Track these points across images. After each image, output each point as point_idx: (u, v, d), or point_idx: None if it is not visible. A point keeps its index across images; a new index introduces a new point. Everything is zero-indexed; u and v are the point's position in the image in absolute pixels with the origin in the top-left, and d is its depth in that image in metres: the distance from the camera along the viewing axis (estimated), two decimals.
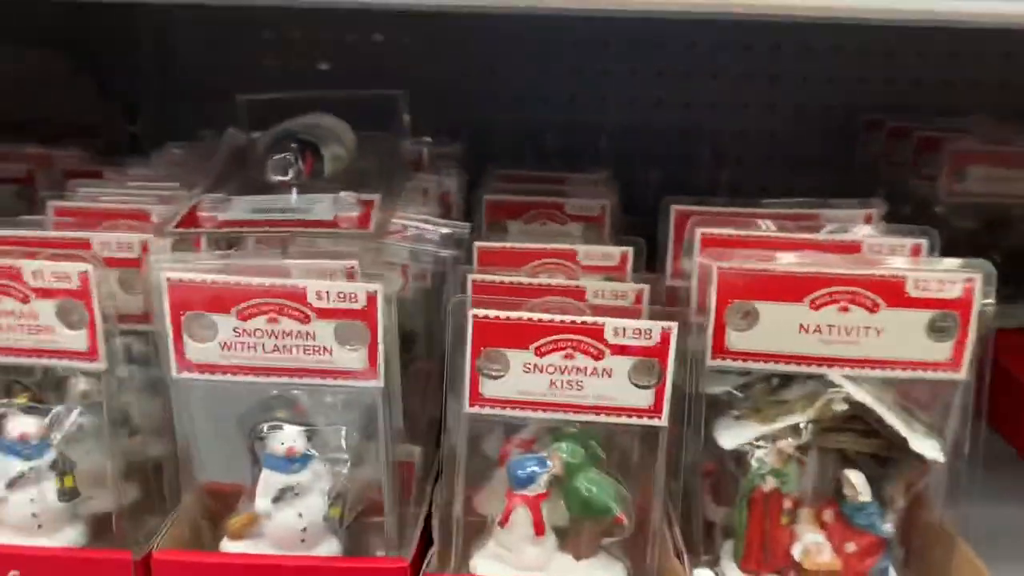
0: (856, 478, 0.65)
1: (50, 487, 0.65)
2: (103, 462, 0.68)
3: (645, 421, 0.63)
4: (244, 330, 0.60)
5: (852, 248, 0.70)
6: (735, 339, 0.64)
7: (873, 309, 0.63)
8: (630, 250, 0.77)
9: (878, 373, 0.64)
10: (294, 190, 0.71)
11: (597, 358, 0.61)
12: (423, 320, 0.76)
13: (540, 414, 0.63)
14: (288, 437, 0.63)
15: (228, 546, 0.65)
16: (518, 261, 0.76)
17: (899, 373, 0.64)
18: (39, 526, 0.65)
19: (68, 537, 0.66)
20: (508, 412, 0.63)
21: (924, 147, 1.17)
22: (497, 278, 0.70)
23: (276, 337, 0.60)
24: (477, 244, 0.76)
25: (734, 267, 0.63)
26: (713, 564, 0.68)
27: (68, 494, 0.64)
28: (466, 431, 0.64)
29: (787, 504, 0.65)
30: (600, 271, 0.77)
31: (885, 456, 0.65)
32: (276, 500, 0.63)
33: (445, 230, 0.71)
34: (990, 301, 0.62)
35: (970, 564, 0.64)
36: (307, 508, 0.63)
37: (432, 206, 0.83)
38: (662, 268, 0.81)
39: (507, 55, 1.31)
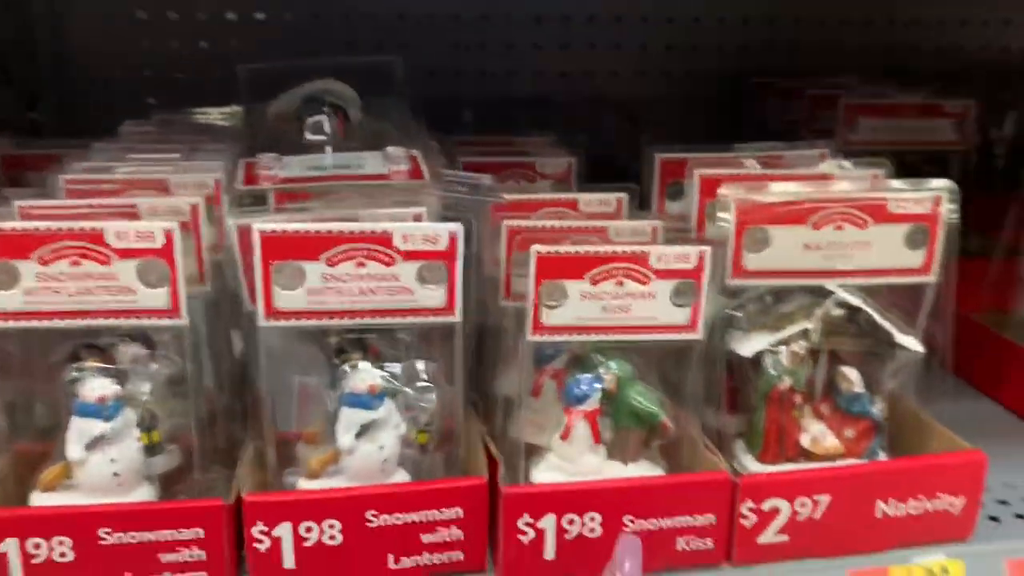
0: (851, 373, 0.76)
1: (130, 446, 0.66)
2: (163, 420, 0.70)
3: (684, 336, 0.71)
4: (332, 275, 0.64)
5: (826, 179, 0.81)
6: (751, 260, 0.74)
7: (862, 226, 0.74)
8: (625, 196, 0.85)
9: (867, 281, 0.75)
10: (328, 149, 0.74)
11: (644, 283, 0.69)
12: None
13: (595, 337, 0.70)
14: (369, 375, 0.67)
15: (307, 486, 0.69)
16: (526, 211, 0.83)
17: (883, 279, 0.75)
18: (119, 485, 0.66)
19: (144, 493, 0.68)
20: (568, 338, 0.70)
21: (816, 103, 1.31)
22: (528, 223, 0.76)
23: (361, 280, 0.64)
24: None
25: (748, 197, 0.72)
26: (730, 462, 0.77)
27: (155, 449, 0.66)
28: (529, 360, 0.70)
29: (797, 400, 0.75)
30: (599, 217, 0.85)
31: (873, 352, 0.77)
32: (358, 435, 0.67)
33: (472, 181, 0.76)
34: (955, 215, 0.74)
35: (947, 439, 0.77)
36: (387, 440, 0.68)
37: None
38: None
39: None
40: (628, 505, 0.69)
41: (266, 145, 0.76)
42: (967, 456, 0.74)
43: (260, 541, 0.65)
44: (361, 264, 0.64)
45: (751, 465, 0.76)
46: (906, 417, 0.79)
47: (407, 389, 0.67)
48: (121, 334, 0.70)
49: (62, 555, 0.63)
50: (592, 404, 0.71)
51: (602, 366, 0.72)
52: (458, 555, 0.68)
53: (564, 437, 0.71)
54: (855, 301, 0.75)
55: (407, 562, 0.67)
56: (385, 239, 0.64)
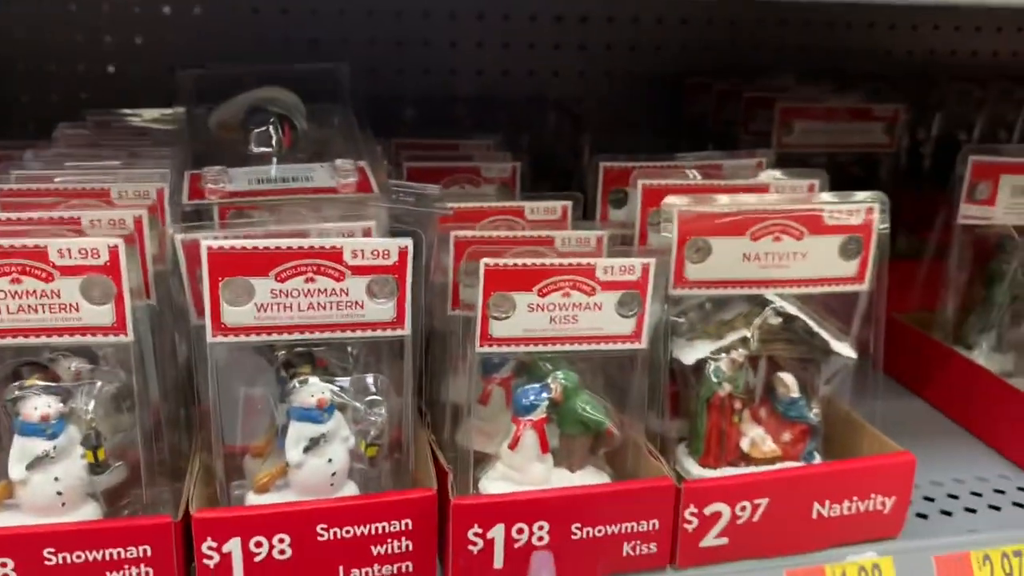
0: (788, 378, 0.79)
1: (74, 464, 0.65)
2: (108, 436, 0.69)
3: (628, 346, 0.73)
4: (281, 291, 0.64)
5: (762, 189, 0.83)
6: (692, 270, 0.75)
7: (799, 237, 0.76)
8: (570, 204, 0.86)
9: (803, 290, 0.78)
10: (274, 160, 0.74)
11: (590, 294, 0.71)
12: None
13: (542, 348, 0.71)
14: (318, 389, 0.67)
15: (255, 500, 0.69)
16: (473, 219, 0.83)
17: (818, 288, 0.78)
18: (63, 504, 0.65)
19: (88, 512, 0.67)
20: (515, 349, 0.71)
21: (752, 105, 1.34)
22: (475, 234, 0.77)
23: (311, 295, 0.64)
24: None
25: (690, 208, 0.74)
26: (673, 466, 0.79)
27: (100, 467, 0.65)
28: (476, 370, 0.71)
29: (737, 405, 0.78)
30: (544, 224, 0.86)
31: (808, 358, 0.80)
32: (307, 449, 0.68)
33: (418, 192, 0.77)
34: (885, 225, 0.77)
35: (877, 441, 0.80)
36: (335, 454, 0.68)
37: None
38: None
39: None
40: (575, 513, 0.70)
41: (209, 153, 0.75)
42: (897, 458, 0.77)
43: (210, 557, 0.65)
44: (311, 279, 0.64)
45: (693, 469, 0.78)
46: (838, 419, 0.82)
47: (356, 403, 0.67)
48: (63, 349, 0.69)
49: None
50: (540, 414, 0.72)
51: (549, 375, 0.73)
52: (408, 565, 0.69)
53: (512, 447, 0.72)
54: (792, 310, 0.77)
55: (357, 574, 0.68)
56: (335, 254, 0.64)
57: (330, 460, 0.68)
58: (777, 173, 0.85)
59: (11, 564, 0.62)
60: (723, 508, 0.72)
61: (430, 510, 0.68)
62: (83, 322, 0.63)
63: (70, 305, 0.63)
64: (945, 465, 0.90)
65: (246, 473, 0.72)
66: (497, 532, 0.68)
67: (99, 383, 0.66)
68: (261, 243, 0.62)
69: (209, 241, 0.61)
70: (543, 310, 0.70)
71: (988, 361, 0.98)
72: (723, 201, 0.76)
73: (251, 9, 1.30)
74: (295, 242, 0.63)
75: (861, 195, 0.77)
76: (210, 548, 0.65)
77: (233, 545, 0.65)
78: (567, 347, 0.72)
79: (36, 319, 0.63)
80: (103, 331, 0.64)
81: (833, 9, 1.49)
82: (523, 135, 1.31)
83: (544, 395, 0.72)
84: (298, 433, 0.67)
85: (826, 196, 0.78)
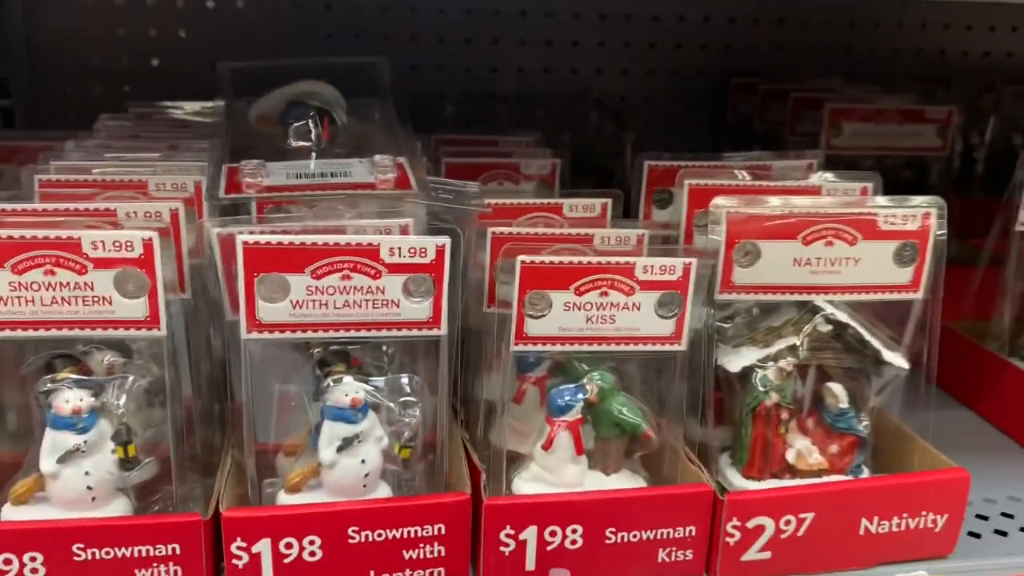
0: (837, 388, 0.76)
1: (104, 459, 0.64)
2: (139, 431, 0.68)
3: (668, 348, 0.71)
4: (317, 288, 0.62)
5: (814, 191, 0.81)
6: (739, 274, 0.73)
7: (852, 242, 0.73)
8: (609, 201, 0.84)
9: (855, 297, 0.75)
10: (312, 155, 0.73)
11: (628, 294, 0.69)
12: None
13: (578, 347, 0.69)
14: (352, 388, 0.66)
15: (286, 500, 0.67)
16: (511, 216, 0.82)
17: (871, 296, 0.75)
18: (93, 499, 0.64)
19: (119, 507, 0.66)
20: (550, 348, 0.69)
21: (799, 106, 1.31)
22: (512, 230, 0.75)
23: (346, 293, 0.63)
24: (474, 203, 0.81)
25: (740, 211, 0.72)
26: (714, 475, 0.77)
27: (131, 463, 0.64)
28: (511, 368, 0.70)
29: (784, 415, 0.75)
30: (583, 223, 0.84)
31: (859, 368, 0.77)
32: (340, 449, 0.66)
33: (457, 189, 0.75)
34: (943, 231, 0.74)
35: (929, 455, 0.77)
36: (368, 454, 0.67)
37: None
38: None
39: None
40: (610, 517, 0.68)
41: (248, 146, 0.74)
42: (950, 474, 0.74)
43: (239, 557, 0.64)
44: (347, 277, 0.63)
45: (736, 480, 0.75)
46: (889, 431, 0.79)
47: (390, 403, 0.65)
48: (96, 342, 0.68)
49: (34, 571, 0.61)
50: (574, 415, 0.70)
51: (585, 375, 0.71)
52: (440, 572, 0.67)
53: (546, 448, 0.70)
54: (843, 318, 0.74)
55: None
56: (372, 252, 0.62)
57: (363, 461, 0.66)
58: (829, 175, 0.82)
59: (40, 558, 0.62)
60: (767, 522, 0.70)
61: (464, 514, 0.67)
62: (116, 315, 0.62)
63: (103, 298, 0.62)
64: (999, 482, 0.86)
65: (279, 471, 0.71)
66: (529, 534, 0.67)
67: (131, 378, 0.65)
68: (298, 239, 0.61)
69: (245, 236, 0.60)
70: (580, 309, 0.68)
71: None
72: (774, 203, 0.73)
73: (293, 4, 1.30)
74: (332, 238, 0.62)
75: (918, 199, 0.74)
76: (239, 548, 0.64)
77: (263, 546, 0.64)
78: (604, 347, 0.70)
79: (69, 311, 0.62)
80: (136, 325, 0.63)
81: (885, 9, 1.45)
82: (565, 133, 1.29)
83: (579, 396, 0.70)
84: (331, 432, 0.66)
85: (881, 200, 0.75)
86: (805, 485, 0.73)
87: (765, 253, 0.72)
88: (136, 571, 0.63)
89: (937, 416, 0.79)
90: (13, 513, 0.64)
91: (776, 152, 0.88)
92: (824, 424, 0.76)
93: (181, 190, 0.74)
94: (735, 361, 0.74)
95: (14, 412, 0.69)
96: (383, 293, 0.64)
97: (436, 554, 0.67)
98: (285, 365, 0.68)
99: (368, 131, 0.80)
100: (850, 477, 0.75)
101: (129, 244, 0.61)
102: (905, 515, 0.73)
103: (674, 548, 0.70)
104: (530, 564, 0.68)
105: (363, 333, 0.65)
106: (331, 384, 0.66)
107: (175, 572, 0.63)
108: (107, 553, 0.62)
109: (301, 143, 0.71)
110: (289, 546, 0.64)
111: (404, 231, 0.66)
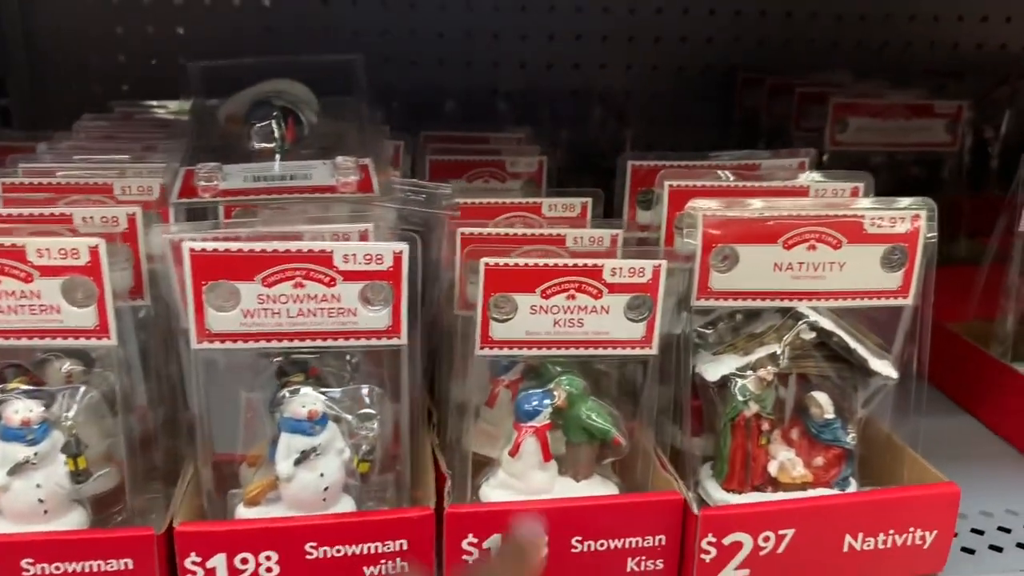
0: (822, 398, 0.73)
1: (56, 471, 0.63)
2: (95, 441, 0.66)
3: (638, 352, 0.68)
4: (268, 296, 0.60)
5: (801, 192, 0.77)
6: (717, 280, 0.70)
7: (836, 246, 0.70)
8: (589, 201, 0.82)
9: (840, 303, 0.72)
10: (277, 156, 0.70)
11: (596, 297, 0.66)
12: None
13: (545, 351, 0.67)
14: (310, 400, 0.64)
15: (245, 513, 0.66)
16: (488, 216, 0.79)
17: (857, 302, 0.72)
18: (45, 512, 0.63)
19: (74, 520, 0.64)
20: (517, 352, 0.67)
21: (805, 101, 1.27)
22: (484, 230, 0.73)
23: (300, 301, 0.61)
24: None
25: (717, 213, 0.69)
26: (694, 487, 0.74)
27: (82, 475, 0.63)
28: (479, 372, 0.67)
29: (765, 426, 0.72)
30: (563, 222, 0.81)
31: (845, 377, 0.73)
32: (298, 462, 0.64)
33: (429, 191, 0.73)
34: (933, 235, 0.71)
35: (919, 467, 0.73)
36: (328, 468, 0.65)
37: None
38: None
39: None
40: (575, 525, 0.66)
41: (215, 147, 0.72)
42: (939, 488, 0.70)
43: (193, 572, 0.62)
44: (300, 285, 0.60)
45: (716, 493, 0.73)
46: (878, 441, 0.76)
47: (348, 416, 0.63)
48: (56, 351, 0.66)
49: None
50: (542, 420, 0.68)
51: (555, 379, 0.69)
52: None
53: (513, 454, 0.68)
54: (827, 325, 0.71)
55: None
56: (325, 259, 0.60)
57: (322, 474, 0.64)
58: (817, 175, 0.79)
59: None
60: (744, 538, 0.67)
61: (427, 529, 0.65)
62: (64, 324, 0.61)
63: (51, 307, 0.60)
64: (997, 493, 0.83)
65: (242, 482, 0.69)
66: (493, 542, 0.64)
67: (82, 388, 0.63)
68: (247, 246, 0.59)
69: (191, 243, 0.58)
70: (547, 312, 0.66)
71: None
72: (754, 205, 0.70)
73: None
74: (283, 245, 0.59)
75: (906, 201, 0.70)
76: (194, 563, 0.62)
77: (218, 561, 0.62)
78: (572, 351, 0.67)
79: (16, 320, 0.60)
80: (85, 334, 0.61)
81: (896, 2, 1.41)
82: (566, 130, 1.26)
83: (547, 401, 0.68)
84: (288, 445, 0.64)
85: (867, 202, 0.72)
86: (784, 500, 0.70)
87: (744, 258, 0.69)
88: None
89: (938, 423, 0.76)
90: None
91: (769, 151, 0.85)
92: (809, 435, 0.73)
93: (147, 193, 0.72)
94: (713, 369, 0.72)
95: None
96: (339, 301, 0.61)
97: (399, 570, 0.65)
98: (250, 372, 0.66)
99: (340, 131, 0.78)
100: (836, 491, 0.72)
101: (75, 252, 0.59)
102: (892, 531, 0.69)
103: (644, 557, 0.68)
104: None
105: (319, 343, 0.63)
106: (287, 395, 0.63)
107: None
108: (57, 568, 0.61)
109: (263, 144, 0.69)
110: (245, 561, 0.62)
111: (363, 236, 0.63)
